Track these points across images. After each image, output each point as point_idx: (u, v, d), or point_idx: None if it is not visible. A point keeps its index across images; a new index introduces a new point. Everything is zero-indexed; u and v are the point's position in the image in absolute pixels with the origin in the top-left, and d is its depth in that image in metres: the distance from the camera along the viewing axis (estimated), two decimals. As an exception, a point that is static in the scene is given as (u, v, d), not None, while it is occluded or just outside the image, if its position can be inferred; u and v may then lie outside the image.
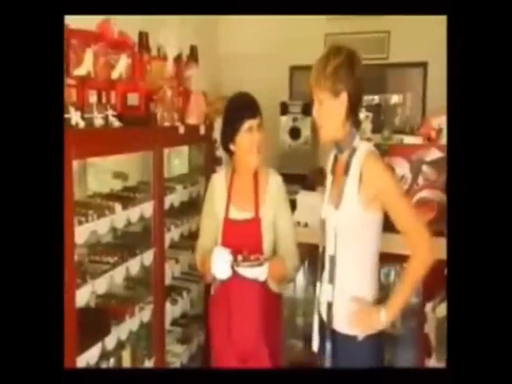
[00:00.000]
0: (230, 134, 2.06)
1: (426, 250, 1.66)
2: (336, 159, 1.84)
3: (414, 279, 1.70)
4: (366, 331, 1.71)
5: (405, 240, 1.68)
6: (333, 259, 1.76)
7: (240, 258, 1.93)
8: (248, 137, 2.03)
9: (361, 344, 1.72)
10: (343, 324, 1.75)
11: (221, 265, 1.95)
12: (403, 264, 2.80)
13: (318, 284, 1.87)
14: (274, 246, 2.09)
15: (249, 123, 2.02)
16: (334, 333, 1.77)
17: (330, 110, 1.72)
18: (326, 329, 1.79)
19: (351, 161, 1.72)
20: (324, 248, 1.83)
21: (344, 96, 1.69)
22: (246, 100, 2.10)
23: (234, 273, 1.96)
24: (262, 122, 2.08)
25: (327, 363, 1.78)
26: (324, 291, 1.81)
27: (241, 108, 2.07)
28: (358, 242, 1.74)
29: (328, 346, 1.78)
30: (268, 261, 1.96)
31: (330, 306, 1.77)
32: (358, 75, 1.71)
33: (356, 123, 1.77)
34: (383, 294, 2.93)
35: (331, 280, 1.76)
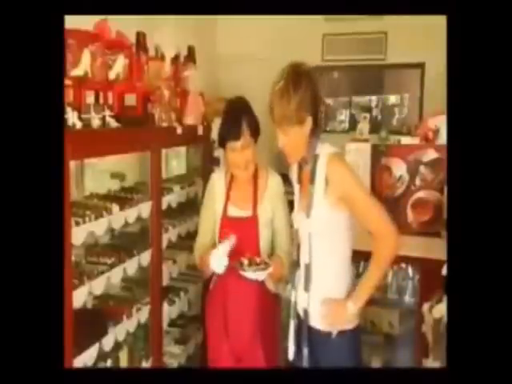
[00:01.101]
0: (220, 145, 2.07)
1: (390, 239, 1.68)
2: (301, 168, 1.86)
3: (379, 271, 1.73)
4: (337, 325, 1.74)
5: (369, 231, 1.70)
6: (308, 267, 1.79)
7: (246, 261, 1.93)
8: (231, 156, 2.04)
9: (337, 340, 1.76)
10: (319, 322, 1.79)
11: (220, 262, 1.94)
12: (401, 264, 2.82)
13: (292, 292, 1.90)
14: (271, 245, 2.10)
15: (231, 145, 2.01)
16: (310, 331, 1.81)
17: (297, 138, 1.74)
18: (303, 331, 1.82)
19: (316, 168, 1.74)
20: (298, 256, 1.86)
21: (309, 121, 1.71)
22: (231, 119, 2.04)
23: (232, 271, 1.96)
24: (253, 138, 2.03)
25: (304, 364, 1.80)
26: (299, 298, 1.84)
27: (224, 128, 2.04)
28: (332, 244, 1.77)
29: (305, 348, 1.81)
30: (271, 262, 1.96)
31: (305, 311, 1.81)
32: (317, 93, 1.72)
33: (316, 133, 1.77)
34: (381, 294, 2.96)
35: (307, 288, 1.80)
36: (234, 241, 1.97)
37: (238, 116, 2.03)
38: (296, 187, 1.90)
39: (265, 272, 1.92)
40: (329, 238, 1.76)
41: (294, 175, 1.93)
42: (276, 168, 2.23)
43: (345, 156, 1.79)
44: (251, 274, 1.92)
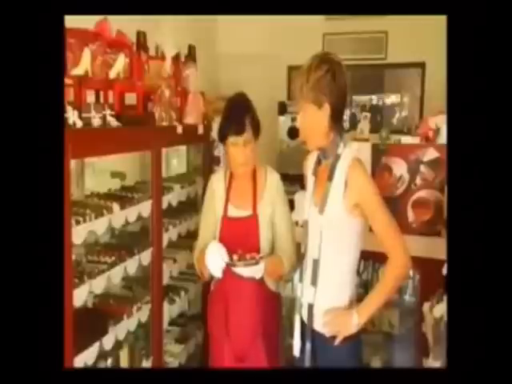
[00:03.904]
0: (220, 140, 2.07)
1: (400, 263, 1.70)
2: (319, 162, 1.86)
3: (387, 288, 1.75)
4: (340, 334, 1.74)
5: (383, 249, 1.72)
6: (316, 263, 1.79)
7: (235, 257, 1.93)
8: (233, 150, 2.03)
9: (339, 345, 1.75)
10: (322, 327, 1.78)
11: (215, 262, 1.95)
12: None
13: (299, 285, 1.89)
14: (272, 244, 2.10)
15: (233, 139, 2.01)
16: (313, 333, 1.81)
17: (314, 120, 1.75)
18: (307, 329, 1.82)
19: (335, 167, 1.75)
20: (306, 249, 1.85)
21: (326, 107, 1.72)
22: (235, 114, 2.04)
23: (231, 271, 1.96)
24: (255, 135, 2.04)
25: (306, 363, 1.81)
26: (305, 292, 1.83)
27: (227, 122, 2.04)
28: (342, 246, 1.77)
29: (308, 346, 1.81)
30: (264, 259, 1.96)
31: (310, 307, 1.81)
32: (341, 86, 1.73)
33: (340, 131, 1.79)
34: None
35: (314, 282, 1.79)
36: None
37: (241, 112, 2.03)
38: (310, 179, 1.89)
39: (255, 268, 1.92)
40: (339, 239, 1.76)
41: (309, 167, 1.92)
42: (277, 168, 2.23)
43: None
44: (242, 270, 1.93)
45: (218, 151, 2.49)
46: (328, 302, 1.78)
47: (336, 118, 1.75)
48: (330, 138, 1.77)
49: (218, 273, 1.98)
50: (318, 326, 1.80)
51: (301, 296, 1.87)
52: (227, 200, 2.10)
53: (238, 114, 2.03)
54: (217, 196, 2.13)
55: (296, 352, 1.87)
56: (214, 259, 1.95)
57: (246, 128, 2.01)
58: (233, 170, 2.11)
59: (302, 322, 1.87)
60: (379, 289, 1.75)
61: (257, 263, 1.93)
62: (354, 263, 1.81)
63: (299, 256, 1.93)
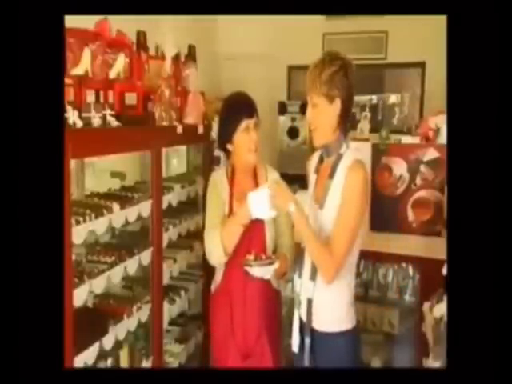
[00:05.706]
0: (227, 134, 2.08)
1: (332, 262, 1.71)
2: (321, 160, 1.88)
3: (314, 244, 1.73)
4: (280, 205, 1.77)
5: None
6: None
7: (251, 257, 1.93)
8: (245, 136, 2.05)
9: (337, 341, 1.77)
10: (321, 322, 1.80)
11: (262, 204, 1.86)
12: (401, 264, 2.82)
13: (298, 280, 1.90)
14: (274, 241, 2.11)
15: (246, 123, 2.05)
16: (312, 330, 1.82)
17: (323, 115, 1.76)
18: (305, 326, 1.83)
19: (337, 166, 1.77)
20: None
21: (337, 102, 1.74)
22: (242, 100, 2.12)
23: (236, 270, 1.96)
24: (259, 120, 2.10)
25: (305, 359, 1.82)
26: (304, 288, 1.84)
27: (238, 108, 2.09)
28: None
29: (307, 341, 1.82)
30: (277, 259, 1.97)
31: (309, 302, 1.82)
32: (351, 84, 1.75)
33: (345, 130, 1.81)
34: (381, 293, 2.95)
35: (313, 277, 1.80)
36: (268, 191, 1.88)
37: (248, 97, 2.12)
38: (312, 177, 1.92)
39: (271, 268, 1.93)
40: None
41: (312, 165, 1.95)
42: (277, 168, 2.24)
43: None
44: (257, 270, 1.93)
45: (218, 151, 2.48)
46: (327, 297, 1.79)
47: (344, 115, 1.77)
48: (335, 136, 1.79)
49: (268, 214, 1.89)
50: (317, 322, 1.80)
51: (300, 292, 1.88)
52: (231, 198, 2.11)
53: (245, 98, 2.12)
54: (220, 188, 2.13)
55: (295, 348, 1.88)
56: (263, 204, 1.86)
57: (255, 111, 2.08)
58: (243, 161, 2.10)
59: (301, 319, 1.87)
60: (315, 240, 1.72)
61: (272, 264, 1.93)
62: (353, 261, 1.82)
63: (299, 251, 1.94)
